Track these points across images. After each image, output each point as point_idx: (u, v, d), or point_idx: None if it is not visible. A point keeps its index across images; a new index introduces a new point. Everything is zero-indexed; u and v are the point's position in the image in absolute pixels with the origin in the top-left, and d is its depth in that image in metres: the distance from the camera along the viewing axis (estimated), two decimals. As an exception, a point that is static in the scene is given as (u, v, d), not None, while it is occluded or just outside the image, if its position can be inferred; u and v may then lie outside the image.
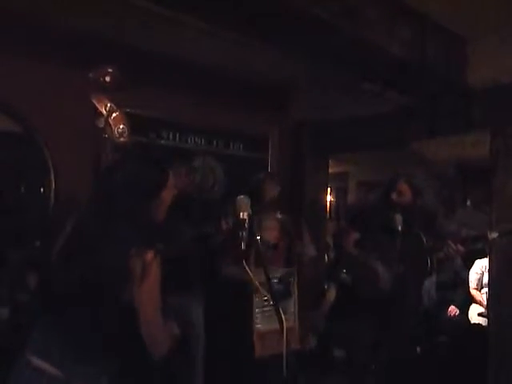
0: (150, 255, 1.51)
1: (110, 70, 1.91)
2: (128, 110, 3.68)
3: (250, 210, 2.32)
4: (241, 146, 4.51)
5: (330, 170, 5.57)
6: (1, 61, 3.15)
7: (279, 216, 2.94)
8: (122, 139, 1.92)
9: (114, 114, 1.92)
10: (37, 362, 1.56)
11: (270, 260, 2.97)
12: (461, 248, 3.15)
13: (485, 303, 4.52)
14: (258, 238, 2.36)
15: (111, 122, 1.91)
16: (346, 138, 4.76)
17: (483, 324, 4.32)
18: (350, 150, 5.23)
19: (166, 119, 4.03)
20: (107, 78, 1.91)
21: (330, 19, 2.62)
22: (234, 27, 2.83)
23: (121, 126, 1.92)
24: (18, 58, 3.25)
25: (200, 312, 3.20)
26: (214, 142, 4.35)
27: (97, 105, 1.93)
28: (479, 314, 4.55)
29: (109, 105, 1.93)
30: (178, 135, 4.11)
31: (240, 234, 2.24)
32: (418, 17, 3.18)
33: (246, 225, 2.25)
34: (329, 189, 6.30)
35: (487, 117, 3.70)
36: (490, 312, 3.79)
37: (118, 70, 1.92)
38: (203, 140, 4.28)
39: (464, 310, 4.79)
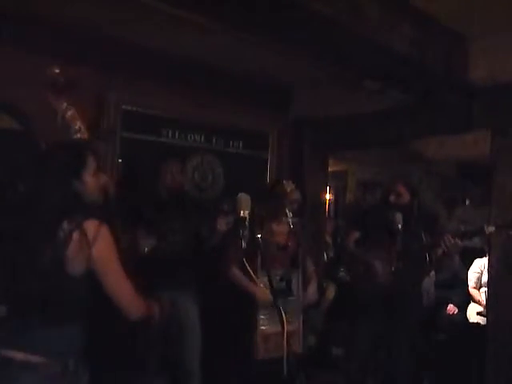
0: (90, 223, 1.64)
1: (57, 71, 2.03)
2: (128, 108, 3.75)
3: (250, 208, 2.31)
4: (240, 144, 4.49)
5: (330, 169, 5.56)
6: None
7: (290, 219, 2.92)
8: (78, 136, 2.04)
9: (69, 112, 2.03)
10: (4, 352, 1.61)
11: (277, 261, 2.96)
12: (459, 242, 3.17)
13: (484, 302, 4.52)
14: (259, 236, 2.33)
15: (67, 119, 2.03)
16: (346, 136, 4.75)
17: (482, 323, 4.32)
18: (350, 148, 5.23)
19: (165, 117, 4.01)
20: (60, 77, 2.04)
21: (331, 16, 2.60)
22: (234, 24, 2.82)
23: (77, 123, 2.04)
24: (17, 55, 3.23)
25: (195, 310, 3.18)
26: (214, 140, 4.33)
27: (52, 103, 2.05)
28: (478, 313, 4.56)
29: (65, 104, 2.04)
30: (177, 133, 4.09)
31: (241, 232, 2.23)
32: (420, 15, 3.17)
33: (246, 223, 2.24)
34: (328, 187, 6.29)
35: (487, 116, 3.70)
36: (488, 311, 3.79)
37: (67, 68, 2.01)
38: (203, 138, 4.26)
39: (463, 309, 4.80)
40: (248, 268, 2.28)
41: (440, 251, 3.27)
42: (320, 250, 5.05)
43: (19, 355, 1.60)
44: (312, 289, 3.16)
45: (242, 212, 2.26)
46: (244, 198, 2.30)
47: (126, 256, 1.80)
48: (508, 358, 3.47)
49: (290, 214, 2.87)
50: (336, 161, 6.31)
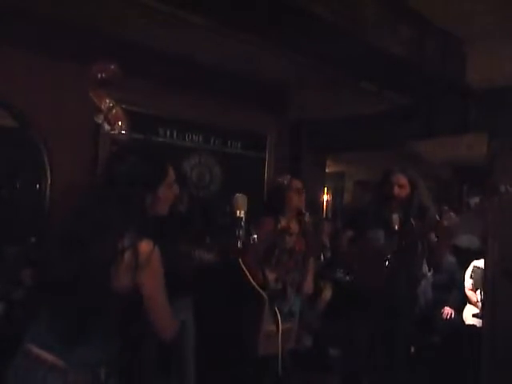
0: (145, 245, 1.56)
1: (111, 67, 1.89)
2: (125, 107, 3.75)
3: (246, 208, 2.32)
4: (239, 144, 4.50)
5: (327, 170, 5.58)
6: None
7: (305, 218, 2.94)
8: (121, 135, 1.91)
9: (113, 110, 1.90)
10: (37, 351, 1.58)
11: (285, 263, 2.97)
12: (453, 216, 3.14)
13: (480, 304, 4.53)
14: (255, 236, 2.34)
15: (110, 118, 1.90)
16: (344, 137, 4.76)
17: (477, 325, 4.33)
18: (348, 149, 5.24)
19: (163, 117, 4.02)
20: (106, 74, 1.88)
21: (330, 18, 2.62)
22: (234, 26, 2.83)
23: (119, 122, 1.91)
24: (15, 53, 3.24)
25: (190, 313, 3.17)
26: (212, 140, 4.34)
27: (95, 101, 1.91)
28: (474, 315, 4.57)
29: (108, 101, 1.90)
30: (175, 133, 4.10)
31: (237, 232, 2.24)
32: (418, 18, 3.19)
33: (242, 223, 2.25)
34: (325, 188, 6.31)
35: (484, 118, 3.71)
36: (484, 313, 3.80)
37: (117, 65, 1.90)
38: (201, 138, 4.27)
39: (459, 311, 4.80)
40: (243, 268, 2.29)
41: (433, 237, 3.23)
42: (318, 251, 5.05)
43: (50, 357, 1.58)
44: (308, 282, 3.17)
45: (238, 212, 2.27)
46: (241, 199, 2.31)
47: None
48: (503, 360, 3.48)
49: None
50: (333, 162, 6.33)
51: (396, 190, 3.35)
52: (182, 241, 2.92)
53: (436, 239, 3.25)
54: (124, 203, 1.59)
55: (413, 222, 3.25)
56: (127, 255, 1.55)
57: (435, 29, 3.34)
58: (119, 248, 1.54)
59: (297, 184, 3.13)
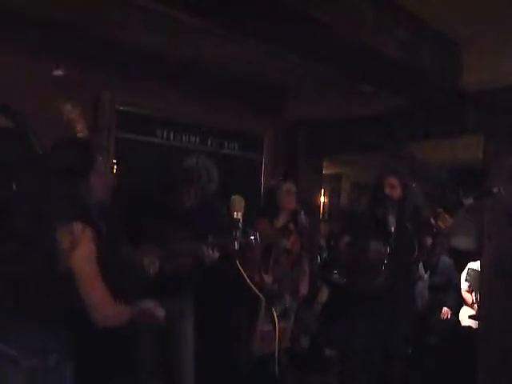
0: (76, 227, 1.66)
1: (61, 72, 2.07)
2: (123, 108, 3.75)
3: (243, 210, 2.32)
4: (235, 145, 4.50)
5: (324, 172, 5.58)
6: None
7: (301, 216, 2.95)
8: (80, 135, 2.11)
9: (73, 113, 2.10)
10: None
11: (282, 264, 2.98)
12: (448, 218, 3.18)
13: (476, 306, 4.55)
14: (252, 238, 2.35)
15: (72, 120, 2.10)
16: (341, 139, 4.77)
17: (473, 326, 4.35)
18: (345, 151, 5.24)
19: (160, 118, 4.02)
20: (64, 78, 2.10)
21: (327, 21, 2.62)
22: (232, 27, 2.83)
23: (78, 125, 2.10)
24: (11, 54, 3.23)
25: (191, 315, 3.16)
26: (209, 142, 4.34)
27: (58, 104, 2.10)
28: (470, 317, 4.58)
29: (69, 104, 2.10)
30: (172, 134, 4.10)
31: (234, 233, 2.24)
32: (415, 20, 3.20)
33: (239, 224, 2.26)
34: (322, 190, 6.31)
35: (481, 120, 3.73)
36: (480, 314, 3.81)
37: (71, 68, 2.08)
38: (198, 139, 4.27)
39: (456, 313, 4.82)
40: (241, 269, 2.30)
41: (429, 240, 3.28)
42: (314, 252, 5.06)
43: (1, 346, 1.62)
44: (303, 283, 3.18)
45: (235, 214, 2.27)
46: (238, 200, 2.32)
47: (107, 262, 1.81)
48: (499, 361, 3.48)
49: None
50: (330, 164, 6.33)
51: (387, 191, 3.41)
52: (185, 238, 2.93)
53: (432, 241, 3.28)
54: (57, 190, 1.71)
55: (408, 225, 3.28)
56: (59, 237, 1.64)
57: (432, 31, 3.36)
58: (53, 232, 1.64)
59: (287, 186, 3.17)
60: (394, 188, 3.42)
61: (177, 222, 2.94)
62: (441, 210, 3.22)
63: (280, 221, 3.13)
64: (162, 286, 2.82)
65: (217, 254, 2.67)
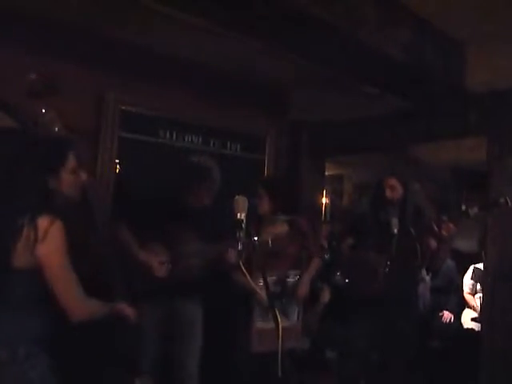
0: (44, 221, 1.68)
1: (35, 76, 2.05)
2: (125, 108, 3.75)
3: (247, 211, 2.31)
4: (238, 146, 4.49)
5: (326, 173, 5.57)
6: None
7: (289, 218, 2.95)
8: (57, 133, 2.15)
9: (47, 116, 2.13)
10: None
11: (277, 264, 2.97)
12: (452, 227, 3.19)
13: (479, 308, 4.53)
14: (256, 239, 2.34)
15: (47, 124, 2.12)
16: (344, 140, 4.76)
17: (476, 329, 4.33)
18: (348, 152, 5.24)
19: (162, 118, 4.01)
20: (38, 83, 2.19)
21: (330, 21, 2.61)
22: (233, 26, 2.82)
23: (55, 125, 2.13)
24: (12, 53, 3.22)
25: (199, 313, 3.14)
26: (211, 142, 4.33)
27: (34, 108, 2.13)
28: (472, 319, 4.57)
29: (43, 109, 2.13)
30: (174, 134, 4.09)
31: (237, 234, 2.23)
32: (418, 20, 3.19)
33: (243, 225, 2.25)
34: (324, 191, 6.30)
35: (484, 121, 3.71)
36: (482, 317, 3.80)
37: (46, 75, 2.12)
38: (200, 139, 4.26)
39: (458, 315, 4.80)
40: (244, 270, 2.28)
41: (433, 244, 3.28)
42: (320, 253, 5.05)
43: None
44: (306, 284, 3.17)
45: (238, 214, 2.26)
46: (241, 201, 2.30)
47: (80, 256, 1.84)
48: (502, 364, 3.47)
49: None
50: (332, 164, 6.33)
51: (388, 192, 3.41)
52: (196, 239, 2.93)
53: (435, 245, 3.28)
54: (25, 184, 1.74)
55: (411, 229, 3.28)
56: (26, 230, 1.66)
57: (435, 32, 3.34)
58: (19, 225, 1.66)
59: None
60: (394, 189, 3.42)
61: (190, 222, 2.93)
62: (445, 218, 3.23)
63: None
64: (172, 287, 2.83)
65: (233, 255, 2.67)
